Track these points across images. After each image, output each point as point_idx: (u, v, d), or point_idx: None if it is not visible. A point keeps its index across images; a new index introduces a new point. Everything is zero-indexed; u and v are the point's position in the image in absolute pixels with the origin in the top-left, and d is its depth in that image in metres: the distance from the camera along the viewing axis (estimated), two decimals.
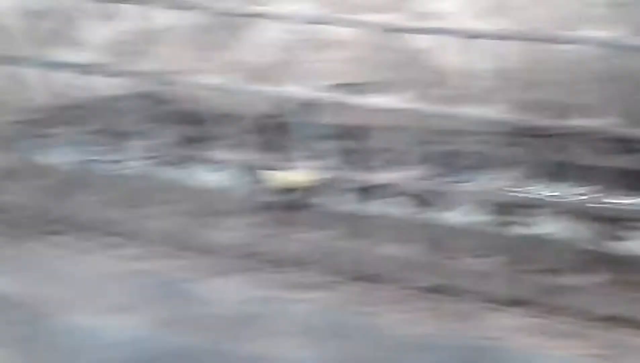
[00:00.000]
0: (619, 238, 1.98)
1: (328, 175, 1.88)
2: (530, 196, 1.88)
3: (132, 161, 2.18)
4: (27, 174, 2.27)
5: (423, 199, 2.10)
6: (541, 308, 1.87)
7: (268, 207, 2.30)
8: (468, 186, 1.83)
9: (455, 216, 1.91)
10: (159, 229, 2.20)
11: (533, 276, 1.91)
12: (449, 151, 2.01)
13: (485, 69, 1.67)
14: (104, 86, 2.02)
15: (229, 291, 2.14)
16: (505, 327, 1.84)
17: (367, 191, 2.25)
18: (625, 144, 1.87)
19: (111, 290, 2.26)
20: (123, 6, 1.92)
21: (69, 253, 2.26)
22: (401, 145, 1.78)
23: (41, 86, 2.01)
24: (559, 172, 1.86)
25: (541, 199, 1.87)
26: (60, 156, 2.49)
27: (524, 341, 1.81)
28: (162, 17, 1.92)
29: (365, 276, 2.09)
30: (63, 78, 2.03)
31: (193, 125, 2.05)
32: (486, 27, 1.60)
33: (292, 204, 2.03)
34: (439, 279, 1.91)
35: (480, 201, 1.84)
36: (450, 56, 1.77)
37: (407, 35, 1.68)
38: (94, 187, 2.12)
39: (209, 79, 1.86)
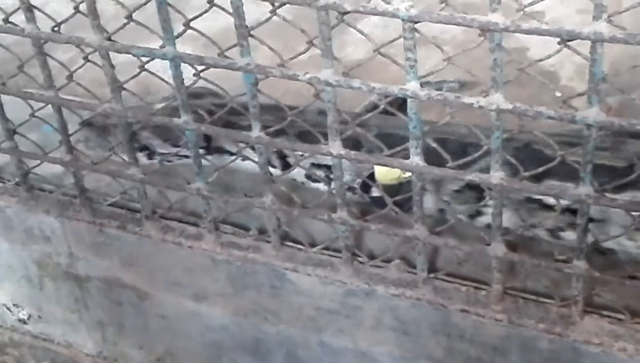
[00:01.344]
0: None
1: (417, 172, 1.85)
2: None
3: (240, 153, 2.19)
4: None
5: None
6: None
7: (372, 202, 2.31)
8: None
9: None
10: (262, 220, 2.23)
11: None
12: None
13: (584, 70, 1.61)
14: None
15: (329, 284, 2.17)
16: None
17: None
18: None
19: (216, 277, 2.33)
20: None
21: (177, 238, 2.33)
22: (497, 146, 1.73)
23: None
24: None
25: None
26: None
27: None
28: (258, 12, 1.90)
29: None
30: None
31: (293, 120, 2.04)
32: (587, 28, 1.52)
33: (394, 200, 2.02)
34: None
35: None
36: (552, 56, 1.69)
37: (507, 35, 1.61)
38: (203, 176, 2.15)
39: (308, 73, 1.84)
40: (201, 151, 2.32)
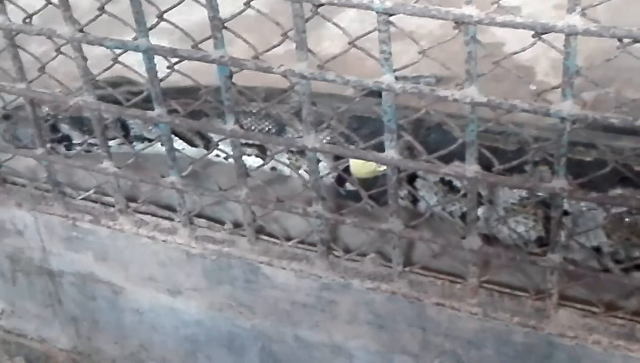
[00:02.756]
0: None
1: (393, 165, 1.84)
2: None
3: (217, 147, 2.18)
4: None
5: None
6: None
7: (348, 195, 2.30)
8: None
9: None
10: (238, 214, 2.21)
11: None
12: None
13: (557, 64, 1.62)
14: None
15: (305, 278, 2.16)
16: None
17: None
18: None
19: (190, 271, 2.31)
20: None
21: (151, 232, 2.31)
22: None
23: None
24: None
25: None
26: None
27: None
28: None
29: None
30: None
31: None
32: (560, 21, 1.52)
33: (370, 193, 2.01)
34: None
35: None
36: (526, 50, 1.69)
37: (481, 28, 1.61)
38: (178, 170, 2.13)
39: (282, 65, 1.83)
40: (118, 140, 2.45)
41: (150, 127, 2.61)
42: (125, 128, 2.55)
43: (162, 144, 2.13)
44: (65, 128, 2.56)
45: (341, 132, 2.24)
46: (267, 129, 2.44)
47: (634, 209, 1.98)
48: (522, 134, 1.87)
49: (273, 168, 2.51)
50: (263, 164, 2.24)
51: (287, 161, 2.46)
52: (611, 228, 2.03)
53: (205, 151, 2.45)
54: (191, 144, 2.46)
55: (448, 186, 2.26)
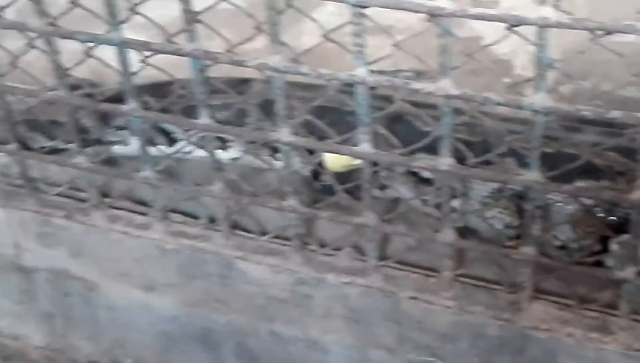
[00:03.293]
0: None
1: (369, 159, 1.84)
2: None
3: (190, 141, 2.17)
4: None
5: None
6: None
7: (323, 189, 2.30)
8: None
9: None
10: (213, 208, 2.20)
11: None
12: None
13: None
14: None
15: (280, 272, 2.15)
16: None
17: None
18: None
19: (165, 266, 2.30)
20: None
21: (125, 228, 2.30)
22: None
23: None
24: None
25: None
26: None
27: None
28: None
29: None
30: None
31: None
32: (533, 13, 1.52)
33: (345, 187, 2.01)
34: None
35: None
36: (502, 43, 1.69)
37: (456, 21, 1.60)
38: (151, 165, 2.12)
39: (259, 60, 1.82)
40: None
41: (110, 130, 2.59)
42: (84, 132, 2.52)
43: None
44: (24, 130, 2.54)
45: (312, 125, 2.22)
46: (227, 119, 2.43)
47: (603, 202, 1.99)
48: (485, 125, 1.87)
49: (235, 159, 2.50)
50: (238, 158, 2.23)
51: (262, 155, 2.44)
52: (576, 221, 2.04)
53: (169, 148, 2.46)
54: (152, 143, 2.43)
55: (415, 176, 2.27)
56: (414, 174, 2.28)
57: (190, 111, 2.03)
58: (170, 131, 2.56)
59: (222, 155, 2.45)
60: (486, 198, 2.19)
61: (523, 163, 1.89)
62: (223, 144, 2.50)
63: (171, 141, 2.56)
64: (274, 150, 2.36)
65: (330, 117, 2.21)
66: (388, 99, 1.93)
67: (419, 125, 2.17)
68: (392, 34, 1.81)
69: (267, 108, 2.09)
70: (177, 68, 2.09)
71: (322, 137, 2.13)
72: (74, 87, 2.22)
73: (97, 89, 2.24)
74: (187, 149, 2.22)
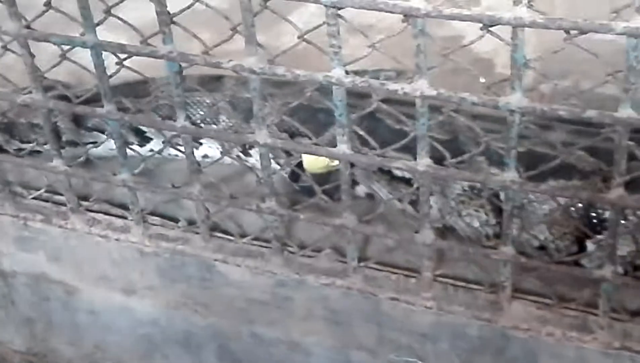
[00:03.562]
0: None
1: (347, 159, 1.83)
2: None
3: (168, 143, 2.16)
4: None
5: None
6: None
7: (302, 191, 2.28)
8: None
9: None
10: (192, 211, 2.19)
11: None
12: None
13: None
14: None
15: (260, 274, 2.14)
16: None
17: None
18: None
19: (144, 269, 2.28)
20: None
21: (103, 231, 2.28)
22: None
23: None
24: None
25: None
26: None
27: None
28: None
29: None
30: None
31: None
32: (507, 13, 1.51)
33: (324, 189, 2.00)
34: None
35: None
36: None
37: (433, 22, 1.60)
38: (129, 167, 2.11)
39: (232, 60, 1.80)
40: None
41: (83, 132, 2.58)
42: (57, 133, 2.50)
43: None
44: None
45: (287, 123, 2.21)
46: (200, 117, 2.42)
47: (580, 201, 1.99)
48: (456, 123, 1.86)
49: (205, 156, 2.51)
50: (218, 160, 2.22)
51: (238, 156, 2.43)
52: (553, 221, 2.04)
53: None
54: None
55: (389, 175, 2.26)
56: (388, 172, 2.27)
57: (162, 109, 2.03)
58: (143, 130, 2.53)
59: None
60: (460, 196, 2.18)
61: (493, 161, 1.88)
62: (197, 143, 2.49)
63: (144, 139, 2.53)
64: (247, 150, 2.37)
65: (304, 115, 2.20)
66: (366, 97, 1.93)
67: (394, 123, 2.17)
68: (372, 33, 1.79)
69: (239, 106, 2.08)
70: (154, 70, 2.08)
71: (293, 134, 2.12)
72: (48, 88, 2.21)
73: (70, 91, 2.22)
74: (161, 148, 2.20)
